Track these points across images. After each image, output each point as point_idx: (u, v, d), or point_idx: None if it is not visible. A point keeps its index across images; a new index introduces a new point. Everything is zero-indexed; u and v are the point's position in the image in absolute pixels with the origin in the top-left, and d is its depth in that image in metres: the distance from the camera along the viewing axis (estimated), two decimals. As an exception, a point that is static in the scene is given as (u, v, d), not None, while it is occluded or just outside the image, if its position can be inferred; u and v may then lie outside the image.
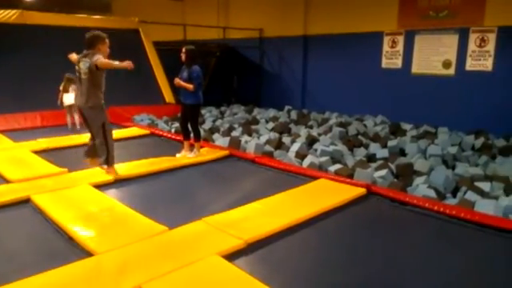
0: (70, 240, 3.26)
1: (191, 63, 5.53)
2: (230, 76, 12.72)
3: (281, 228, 3.46)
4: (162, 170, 5.13)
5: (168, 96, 10.08)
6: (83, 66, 3.63)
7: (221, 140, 6.94)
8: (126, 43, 10.27)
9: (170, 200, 4.25)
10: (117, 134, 7.23)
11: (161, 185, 4.70)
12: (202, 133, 6.82)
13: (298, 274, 2.86)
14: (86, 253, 3.04)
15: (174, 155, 5.69)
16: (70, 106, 7.39)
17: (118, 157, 5.78)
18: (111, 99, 8.88)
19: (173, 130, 7.83)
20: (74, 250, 3.12)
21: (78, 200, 3.99)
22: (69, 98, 7.31)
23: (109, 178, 4.65)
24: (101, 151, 3.63)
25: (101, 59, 3.54)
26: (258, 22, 12.03)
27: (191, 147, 5.83)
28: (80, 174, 4.78)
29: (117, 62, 3.53)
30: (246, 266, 2.88)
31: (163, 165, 5.26)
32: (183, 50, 5.54)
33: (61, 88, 7.43)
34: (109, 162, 3.63)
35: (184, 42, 9.98)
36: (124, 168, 5.04)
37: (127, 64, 3.54)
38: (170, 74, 8.87)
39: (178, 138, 6.69)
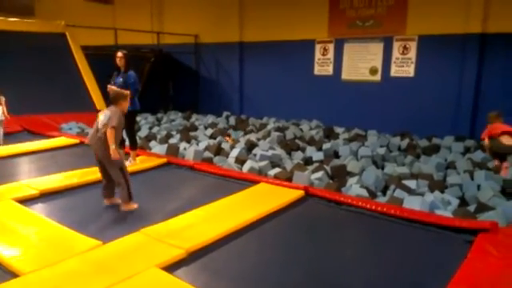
0: (-11, 262, 2.96)
1: (127, 68, 5.34)
2: (166, 82, 12.45)
3: (222, 234, 3.42)
4: (94, 181, 4.83)
5: (99, 103, 9.57)
6: (103, 117, 3.78)
7: (158, 147, 6.74)
8: (51, 47, 9.65)
9: (103, 213, 4.01)
10: (42, 144, 6.75)
11: (92, 197, 4.42)
12: (138, 140, 6.57)
13: (239, 279, 2.85)
14: (10, 274, 2.78)
15: (107, 165, 5.41)
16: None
17: (44, 169, 5.42)
18: (35, 107, 8.43)
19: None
20: (-6, 272, 2.83)
21: (0, 216, 3.65)
22: None
23: (33, 192, 4.32)
24: (121, 191, 3.93)
25: (110, 130, 3.72)
26: (193, 27, 11.93)
27: (126, 156, 5.60)
28: (1, 189, 4.39)
29: (114, 146, 3.73)
30: (187, 276, 2.80)
31: (95, 176, 4.94)
32: (120, 54, 5.32)
33: None
34: (131, 198, 3.92)
35: (115, 46, 9.58)
36: (51, 181, 4.72)
37: (113, 154, 3.75)
38: (101, 80, 8.46)
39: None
